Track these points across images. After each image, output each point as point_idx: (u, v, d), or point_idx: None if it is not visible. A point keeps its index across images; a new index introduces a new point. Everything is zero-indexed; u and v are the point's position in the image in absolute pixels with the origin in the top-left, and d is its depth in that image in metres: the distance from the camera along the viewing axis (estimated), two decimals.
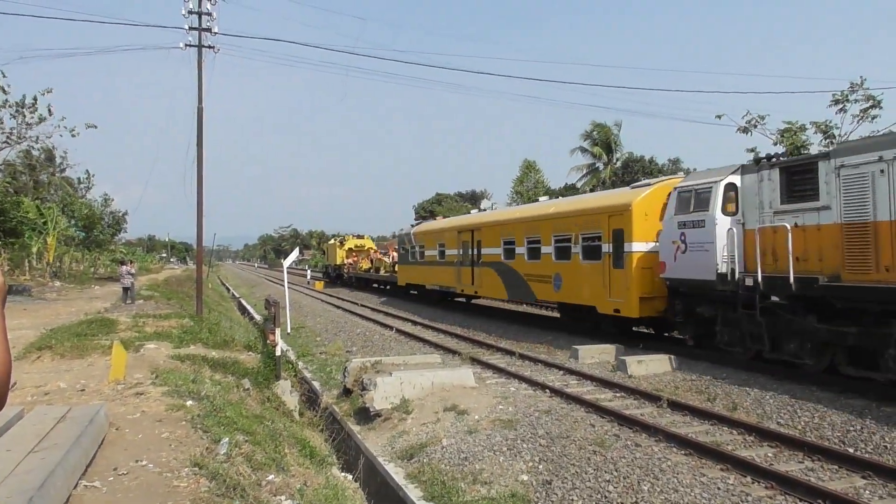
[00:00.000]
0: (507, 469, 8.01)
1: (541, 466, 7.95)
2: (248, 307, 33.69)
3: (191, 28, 21.86)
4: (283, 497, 5.84)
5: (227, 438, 6.63)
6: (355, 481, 8.59)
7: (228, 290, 53.11)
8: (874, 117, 22.26)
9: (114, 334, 13.77)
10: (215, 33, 22.13)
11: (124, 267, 23.95)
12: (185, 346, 13.13)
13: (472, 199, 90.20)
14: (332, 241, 55.39)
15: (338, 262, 48.10)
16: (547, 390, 11.58)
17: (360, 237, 49.64)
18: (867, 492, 6.79)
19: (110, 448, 6.00)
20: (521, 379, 12.69)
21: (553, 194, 61.37)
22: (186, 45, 21.86)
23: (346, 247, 48.24)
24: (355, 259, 45.94)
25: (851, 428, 8.73)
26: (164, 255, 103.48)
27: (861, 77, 22.51)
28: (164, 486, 5.10)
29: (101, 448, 5.95)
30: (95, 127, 27.74)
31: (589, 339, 16.66)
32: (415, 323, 23.55)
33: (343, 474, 8.73)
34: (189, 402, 7.94)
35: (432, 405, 10.86)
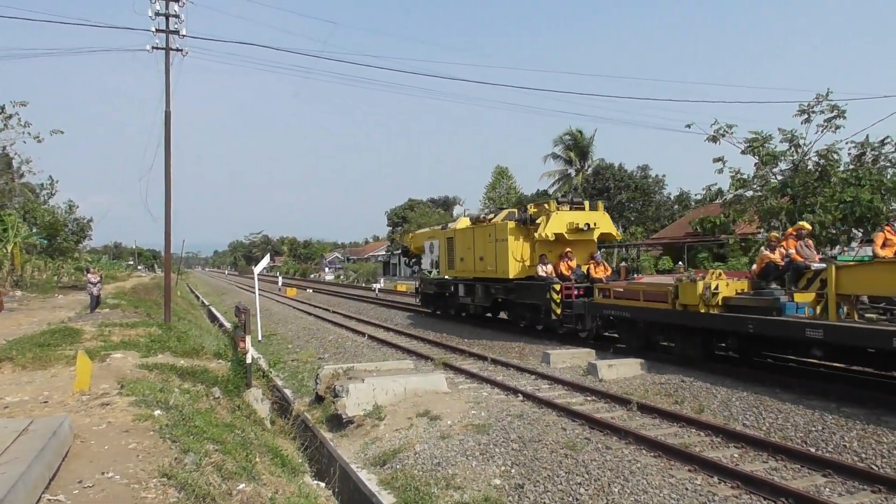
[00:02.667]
0: (480, 474, 8.04)
1: (513, 470, 7.99)
2: (218, 315, 33.28)
3: (158, 30, 21.55)
4: None
5: (196, 447, 6.54)
6: (328, 489, 8.53)
7: (198, 297, 52.42)
8: (838, 127, 22.88)
9: (78, 344, 13.49)
10: (183, 36, 21.84)
11: (90, 275, 23.50)
12: (152, 355, 12.91)
13: (445, 206, 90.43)
14: (460, 219, 25.20)
15: (512, 274, 18.93)
16: (519, 395, 11.65)
17: (575, 204, 19.57)
18: (827, 489, 6.97)
19: (75, 461, 5.88)
20: (494, 384, 12.74)
21: (526, 200, 61.85)
22: (153, 47, 21.57)
23: (546, 229, 18.26)
24: (569, 264, 18.30)
25: (813, 428, 8.94)
26: (132, 262, 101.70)
27: (827, 88, 23.13)
28: (131, 497, 5.02)
29: (65, 461, 5.83)
30: (62, 132, 27.21)
31: (560, 343, 16.80)
32: (387, 329, 23.50)
33: (316, 482, 8.67)
34: (157, 412, 7.82)
35: (405, 411, 10.86)
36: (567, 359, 14.62)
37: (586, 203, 19.90)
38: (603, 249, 23.79)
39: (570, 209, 19.11)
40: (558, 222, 18.33)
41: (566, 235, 18.32)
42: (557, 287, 17.11)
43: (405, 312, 30.07)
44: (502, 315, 22.70)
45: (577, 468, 7.74)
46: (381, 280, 64.87)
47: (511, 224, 19.05)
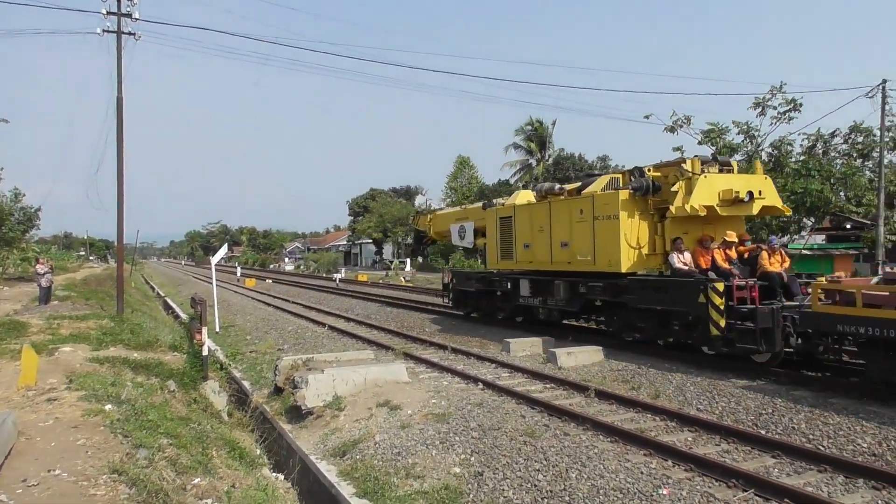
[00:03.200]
0: (440, 462, 8.05)
1: (473, 458, 8.03)
2: (174, 306, 32.62)
3: (109, 13, 20.86)
4: (209, 500, 5.68)
5: (149, 442, 6.40)
6: (287, 481, 8.45)
7: (153, 288, 51.30)
8: (791, 119, 23.49)
9: (24, 338, 13.07)
10: (136, 19, 21.20)
11: (38, 265, 22.76)
12: (104, 348, 12.59)
13: (407, 195, 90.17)
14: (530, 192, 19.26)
15: (625, 266, 13.52)
16: (479, 383, 11.71)
17: (724, 165, 13.86)
18: (776, 470, 7.18)
19: (19, 458, 5.69)
20: (454, 373, 12.77)
21: (488, 190, 62.05)
22: (104, 30, 20.87)
23: (692, 200, 12.67)
24: (727, 252, 12.94)
25: (764, 411, 9.20)
26: (83, 252, 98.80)
27: (781, 81, 23.71)
28: (79, 495, 4.88)
29: (8, 459, 5.63)
30: (6, 122, 26.18)
31: (521, 332, 16.92)
32: (348, 319, 23.35)
33: (274, 474, 8.58)
34: (108, 407, 7.62)
35: (365, 401, 10.81)
36: (526, 347, 14.73)
37: (733, 163, 14.40)
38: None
39: (720, 171, 13.43)
40: (707, 190, 12.75)
41: (718, 209, 12.76)
42: (720, 287, 11.32)
43: (365, 304, 29.90)
44: (583, 321, 17.56)
45: (535, 455, 7.81)
46: (343, 270, 64.50)
47: (623, 195, 13.41)
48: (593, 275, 14.39)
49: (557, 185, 16.96)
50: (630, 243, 13.44)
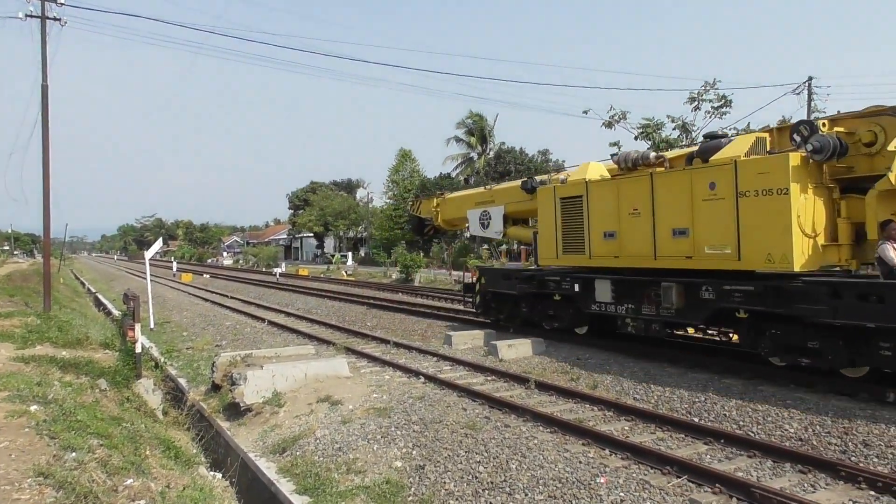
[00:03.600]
0: (382, 456, 8.03)
1: (414, 452, 8.04)
2: (106, 302, 31.45)
3: None
4: (142, 501, 5.51)
5: (79, 443, 6.16)
6: (225, 479, 8.28)
7: (83, 284, 49.28)
8: (724, 114, 24.40)
9: None
10: (61, 3, 20.27)
11: None
12: (30, 346, 12.05)
13: (348, 188, 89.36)
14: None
15: (798, 264, 9.70)
16: (421, 377, 11.72)
17: None
18: (708, 456, 7.45)
19: None
20: (396, 367, 12.76)
21: (430, 184, 62.06)
22: (27, 15, 19.88)
23: None
24: None
25: (696, 399, 9.53)
26: (6, 247, 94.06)
27: (714, 78, 24.62)
28: (1, 501, 4.66)
29: None
30: None
31: (463, 325, 17.03)
32: (288, 314, 23.01)
33: (212, 473, 8.39)
34: (34, 408, 7.30)
35: (306, 397, 10.68)
36: (468, 340, 14.84)
37: None
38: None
39: None
40: None
41: None
42: None
43: (305, 298, 29.52)
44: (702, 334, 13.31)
45: (476, 447, 7.88)
46: (283, 264, 63.47)
47: (795, 159, 9.69)
48: (734, 274, 10.54)
49: (653, 153, 12.73)
50: (805, 230, 9.69)
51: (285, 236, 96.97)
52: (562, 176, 14.81)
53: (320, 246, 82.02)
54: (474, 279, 18.09)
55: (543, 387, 10.72)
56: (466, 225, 19.00)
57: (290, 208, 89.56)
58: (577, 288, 13.55)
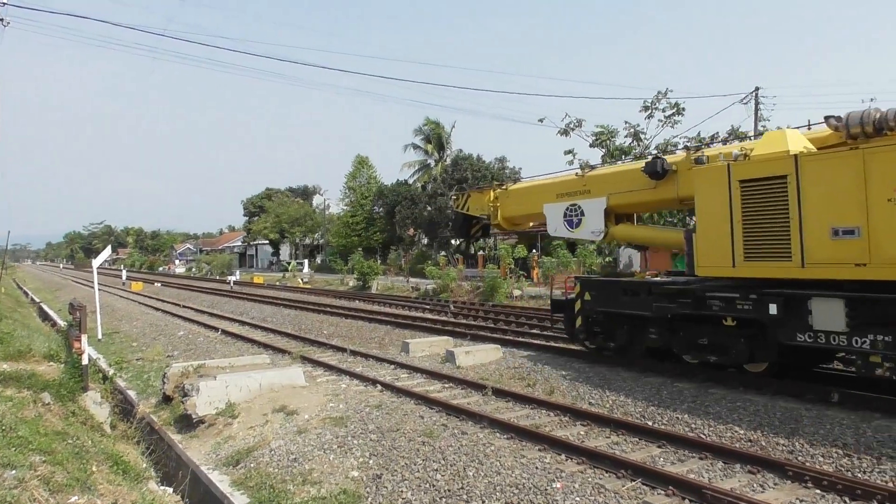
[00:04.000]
0: (338, 467, 7.93)
1: (371, 461, 7.96)
2: (51, 313, 30.35)
3: None
4: None
5: (19, 460, 5.91)
6: (176, 494, 8.05)
7: (27, 294, 47.51)
8: (676, 123, 25.00)
9: None
10: (3, 3, 19.56)
11: None
12: None
13: (304, 195, 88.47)
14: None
15: None
16: (378, 385, 11.64)
17: None
18: (662, 459, 7.57)
19: None
20: (353, 375, 12.64)
21: (386, 190, 61.90)
22: None
23: None
24: None
25: (651, 403, 9.69)
26: None
27: (666, 87, 25.24)
28: None
29: None
30: None
31: (420, 333, 16.99)
32: (243, 323, 22.61)
33: (162, 488, 8.15)
34: None
35: (260, 407, 10.49)
36: (426, 347, 14.81)
37: None
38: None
39: None
40: None
41: None
42: None
43: (292, 311, 29.01)
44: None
45: (433, 455, 7.85)
46: (238, 272, 62.41)
47: None
48: None
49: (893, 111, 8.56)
50: None
51: (240, 244, 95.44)
52: (734, 151, 10.49)
53: (276, 253, 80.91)
54: (571, 294, 13.53)
55: (500, 393, 10.75)
56: (531, 225, 16.76)
57: (245, 215, 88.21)
58: (772, 309, 9.45)
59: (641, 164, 12.26)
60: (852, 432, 7.80)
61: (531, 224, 16.67)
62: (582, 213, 13.28)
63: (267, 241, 78.81)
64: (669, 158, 11.93)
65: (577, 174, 13.70)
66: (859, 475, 6.79)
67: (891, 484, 6.48)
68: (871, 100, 27.35)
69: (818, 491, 6.40)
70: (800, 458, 7.41)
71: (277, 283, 47.48)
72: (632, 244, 15.64)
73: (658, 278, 12.22)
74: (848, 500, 6.19)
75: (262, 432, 9.41)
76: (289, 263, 65.03)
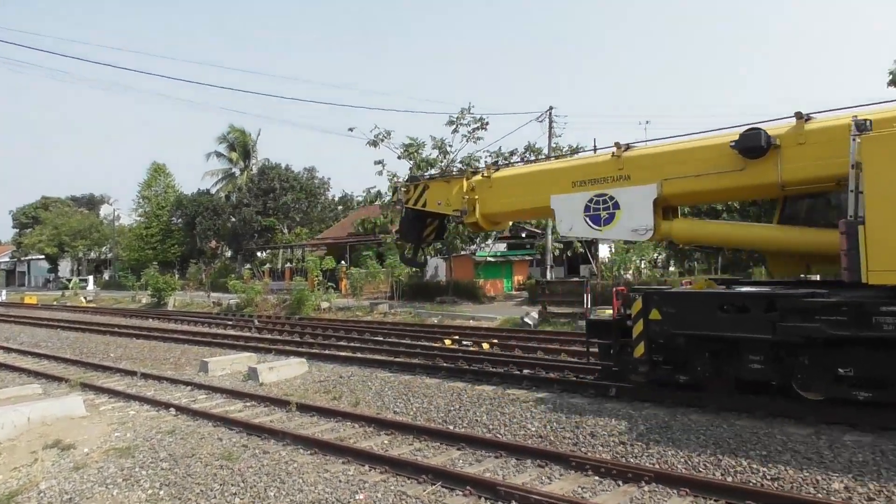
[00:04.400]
0: (122, 502, 7.22)
1: (162, 492, 7.36)
2: None
3: None
4: None
5: None
6: None
7: None
8: (479, 138, 26.46)
9: None
10: None
11: None
12: None
13: (90, 204, 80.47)
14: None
15: None
16: (172, 409, 10.82)
17: None
18: (461, 461, 7.86)
19: None
20: (143, 400, 11.63)
21: (186, 200, 58.09)
22: None
23: None
24: None
25: (452, 408, 10.04)
26: None
27: (469, 102, 26.63)
28: None
29: None
30: None
31: (221, 350, 16.13)
32: (8, 350, 19.84)
33: None
34: None
35: (28, 444, 9.25)
36: (227, 365, 14.08)
37: None
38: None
39: None
40: None
41: None
42: None
43: (73, 334, 25.78)
44: None
45: (232, 478, 7.45)
46: (4, 292, 54.93)
47: None
48: None
49: None
50: None
51: (8, 259, 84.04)
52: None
53: (54, 269, 72.35)
54: (626, 310, 9.90)
55: (305, 408, 10.51)
56: (532, 222, 14.52)
57: (14, 227, 77.89)
58: None
59: (722, 138, 9.32)
60: (626, 423, 8.69)
61: (510, 221, 13.65)
62: (615, 206, 10.18)
63: (43, 256, 70.26)
64: (771, 130, 8.79)
65: (613, 155, 10.32)
66: (632, 461, 7.57)
67: (657, 466, 7.31)
68: (647, 122, 31.07)
69: (597, 478, 7.02)
70: (583, 449, 8.08)
71: (55, 303, 42.47)
72: (696, 245, 12.95)
73: (779, 290, 8.71)
74: (621, 483, 6.87)
75: (28, 473, 8.29)
76: (70, 280, 58.44)
